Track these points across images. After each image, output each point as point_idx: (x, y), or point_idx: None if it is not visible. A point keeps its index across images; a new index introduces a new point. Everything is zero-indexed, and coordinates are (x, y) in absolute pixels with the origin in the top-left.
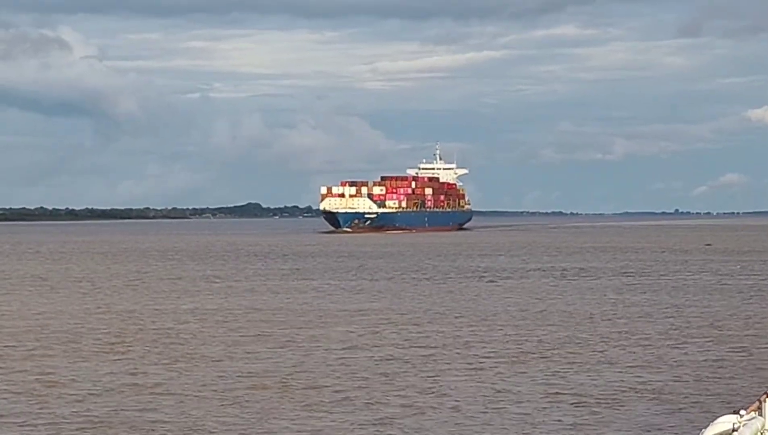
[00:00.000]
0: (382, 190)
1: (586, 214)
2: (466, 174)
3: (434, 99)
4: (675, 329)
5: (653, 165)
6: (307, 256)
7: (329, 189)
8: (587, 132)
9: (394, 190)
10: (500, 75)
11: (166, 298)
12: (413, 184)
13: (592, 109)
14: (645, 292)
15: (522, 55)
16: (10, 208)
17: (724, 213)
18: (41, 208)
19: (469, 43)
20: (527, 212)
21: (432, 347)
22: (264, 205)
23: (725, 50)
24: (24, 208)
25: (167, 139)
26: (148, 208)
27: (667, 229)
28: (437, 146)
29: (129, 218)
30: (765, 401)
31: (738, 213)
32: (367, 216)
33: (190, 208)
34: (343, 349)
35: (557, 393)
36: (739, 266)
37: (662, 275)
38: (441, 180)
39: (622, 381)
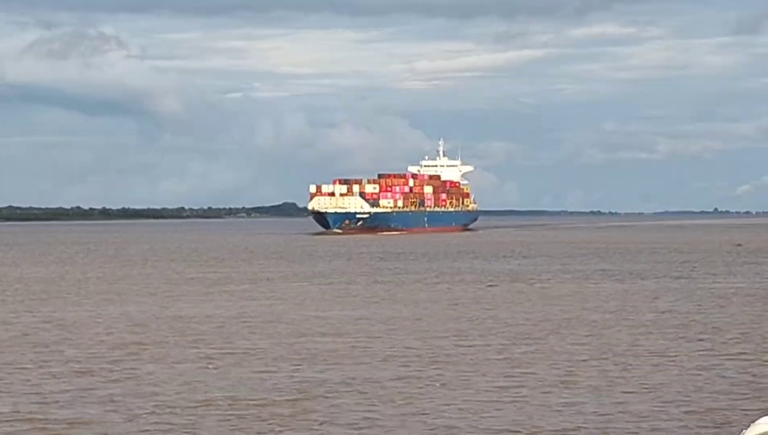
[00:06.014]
0: (375, 188)
1: (625, 214)
2: (471, 171)
3: (473, 98)
4: (682, 338)
5: (696, 164)
6: (280, 257)
7: (318, 187)
8: (631, 131)
9: (389, 189)
10: (540, 74)
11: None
12: (411, 182)
13: (636, 108)
14: (654, 299)
15: (561, 54)
16: (46, 208)
17: (764, 211)
18: (77, 207)
19: (509, 42)
20: (566, 212)
21: (432, 362)
22: (300, 205)
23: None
24: (60, 208)
25: (209, 138)
26: (182, 208)
27: (700, 228)
28: (440, 142)
29: (162, 218)
30: None
31: None
32: (358, 216)
33: (226, 207)
34: (329, 366)
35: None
36: None
37: (673, 277)
38: (443, 178)
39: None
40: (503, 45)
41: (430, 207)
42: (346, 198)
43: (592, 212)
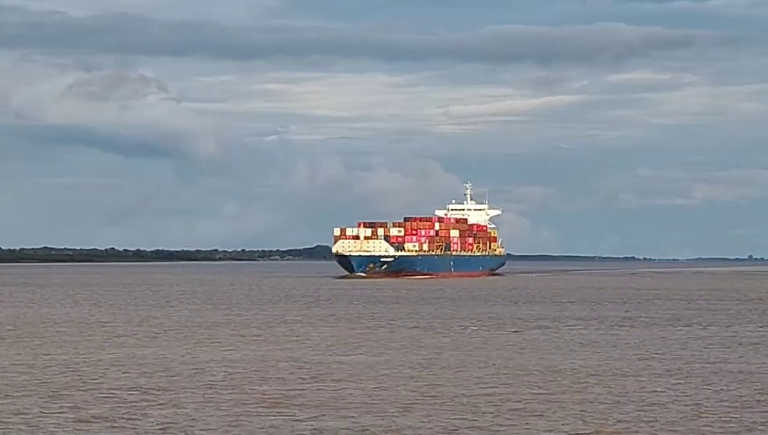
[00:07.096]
0: (400, 231)
1: (659, 260)
2: (498, 215)
3: (508, 143)
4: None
5: (732, 211)
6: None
7: (343, 230)
8: (666, 177)
9: (415, 232)
10: (576, 119)
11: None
12: (437, 226)
13: (671, 154)
14: (679, 347)
15: (597, 100)
16: (81, 249)
17: None
18: (111, 249)
19: (546, 88)
20: (599, 257)
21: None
22: None
23: None
24: (94, 250)
25: (245, 181)
26: (216, 250)
27: (734, 275)
28: (468, 186)
29: (196, 260)
30: None
31: None
32: (383, 259)
33: (260, 250)
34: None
35: None
36: None
37: (704, 324)
38: (470, 221)
39: None
40: (540, 91)
41: (457, 251)
42: (370, 241)
43: (626, 258)
